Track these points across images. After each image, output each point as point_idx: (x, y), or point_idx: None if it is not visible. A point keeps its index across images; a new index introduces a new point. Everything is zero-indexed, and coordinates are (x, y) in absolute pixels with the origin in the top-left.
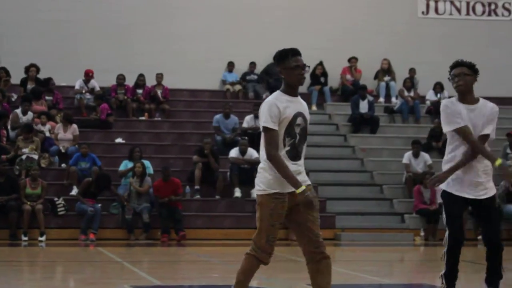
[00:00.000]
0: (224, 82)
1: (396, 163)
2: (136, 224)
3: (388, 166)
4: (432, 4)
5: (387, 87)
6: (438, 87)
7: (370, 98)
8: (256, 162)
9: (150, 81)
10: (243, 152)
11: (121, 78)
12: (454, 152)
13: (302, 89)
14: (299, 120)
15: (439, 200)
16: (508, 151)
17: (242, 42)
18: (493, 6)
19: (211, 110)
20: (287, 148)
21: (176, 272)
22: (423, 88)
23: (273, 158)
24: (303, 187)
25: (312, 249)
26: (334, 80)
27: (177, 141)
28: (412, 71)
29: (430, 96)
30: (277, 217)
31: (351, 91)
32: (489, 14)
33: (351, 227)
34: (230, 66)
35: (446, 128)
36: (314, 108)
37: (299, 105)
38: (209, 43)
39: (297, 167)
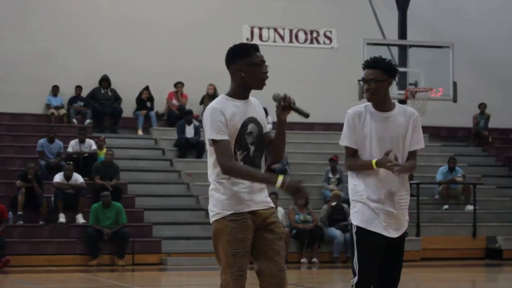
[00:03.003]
0: (48, 106)
1: None
2: None
3: None
4: (256, 31)
5: None
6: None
7: (196, 123)
8: (81, 187)
9: None
10: (67, 177)
11: None
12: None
13: (128, 113)
14: (251, 128)
15: None
16: (330, 175)
17: (67, 66)
18: (315, 34)
19: (35, 134)
20: (240, 163)
21: None
22: None
23: (230, 169)
24: (279, 178)
25: (272, 286)
26: (160, 105)
27: None
28: None
29: None
30: (238, 242)
31: (177, 116)
32: (311, 42)
33: (177, 251)
34: (55, 90)
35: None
36: (140, 132)
37: (250, 109)
38: (33, 66)
39: (257, 184)
